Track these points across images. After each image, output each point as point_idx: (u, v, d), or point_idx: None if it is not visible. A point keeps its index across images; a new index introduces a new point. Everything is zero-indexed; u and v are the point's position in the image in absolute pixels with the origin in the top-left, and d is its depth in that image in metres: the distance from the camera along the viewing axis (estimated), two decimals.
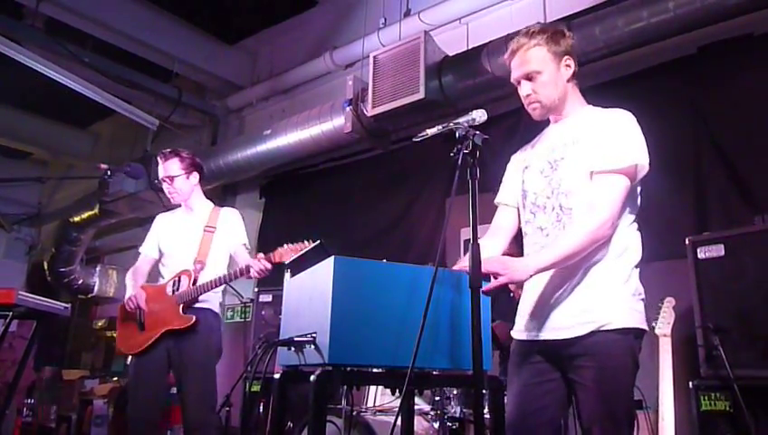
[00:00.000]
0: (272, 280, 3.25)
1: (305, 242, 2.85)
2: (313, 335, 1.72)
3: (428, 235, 4.69)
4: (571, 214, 1.85)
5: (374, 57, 4.47)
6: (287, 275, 2.19)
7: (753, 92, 3.46)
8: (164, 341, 3.12)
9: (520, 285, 1.98)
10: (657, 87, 3.79)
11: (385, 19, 5.14)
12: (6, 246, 9.26)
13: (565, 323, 1.81)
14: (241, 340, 5.39)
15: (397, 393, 1.87)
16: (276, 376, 2.00)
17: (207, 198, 3.49)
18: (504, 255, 1.96)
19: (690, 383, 2.83)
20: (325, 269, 1.70)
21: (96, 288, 7.72)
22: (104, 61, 5.94)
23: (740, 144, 3.45)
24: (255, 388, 3.78)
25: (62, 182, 8.98)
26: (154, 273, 3.42)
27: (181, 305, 3.12)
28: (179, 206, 3.42)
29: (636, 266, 1.86)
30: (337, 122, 4.86)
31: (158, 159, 3.37)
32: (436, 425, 3.11)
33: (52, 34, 5.52)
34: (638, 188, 1.90)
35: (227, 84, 6.69)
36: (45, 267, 7.81)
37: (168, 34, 6.08)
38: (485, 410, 2.04)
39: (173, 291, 3.19)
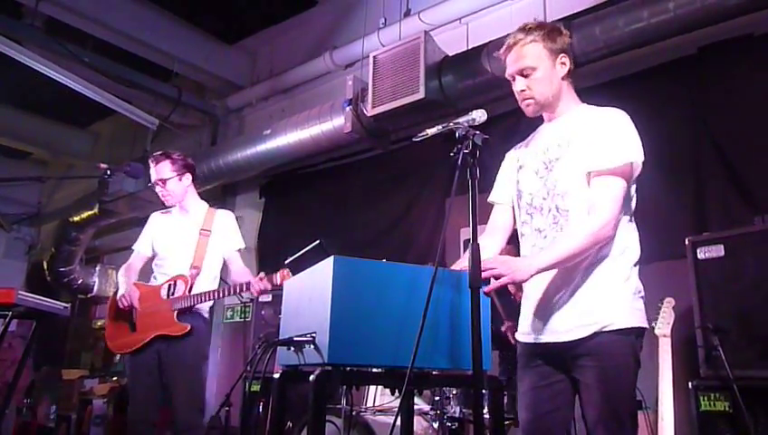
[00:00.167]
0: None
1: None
2: (313, 335, 1.71)
3: (428, 235, 4.69)
4: (568, 216, 1.85)
5: (374, 57, 4.47)
6: None
7: (753, 93, 3.46)
8: (155, 343, 3.13)
9: (519, 286, 1.98)
10: (657, 87, 3.79)
11: (385, 19, 5.14)
12: (6, 245, 9.26)
13: (567, 326, 1.82)
14: (241, 339, 5.39)
15: (396, 393, 1.87)
16: (276, 376, 2.00)
17: (203, 199, 3.50)
18: (501, 254, 1.97)
19: (690, 384, 2.84)
20: (325, 269, 1.70)
21: (95, 288, 7.72)
22: (104, 60, 5.94)
23: (740, 144, 3.45)
24: (255, 387, 3.78)
25: (62, 182, 8.98)
26: (146, 271, 3.42)
27: (176, 312, 3.13)
28: (174, 206, 3.43)
29: (635, 265, 1.86)
30: (337, 122, 4.86)
31: (150, 162, 3.37)
32: (436, 425, 3.11)
33: (52, 34, 5.52)
34: (634, 186, 1.90)
35: (227, 84, 6.69)
36: (45, 267, 7.81)
37: (167, 34, 6.08)
38: (485, 410, 2.04)
39: (168, 295, 3.20)
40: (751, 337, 2.71)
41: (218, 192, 6.41)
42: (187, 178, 3.35)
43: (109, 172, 3.40)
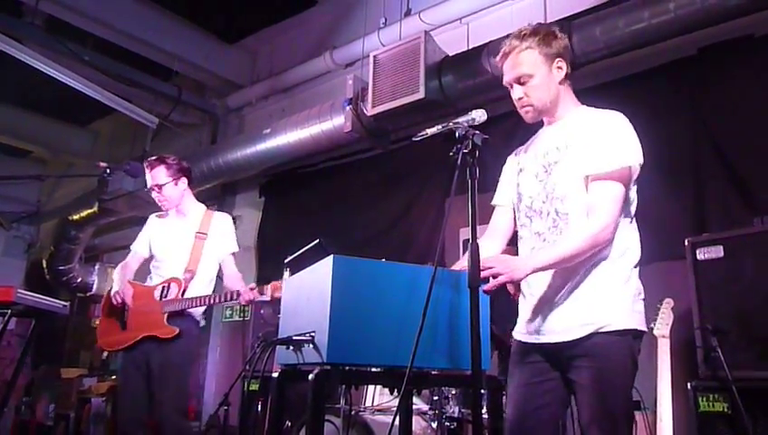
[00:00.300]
0: (272, 280, 3.25)
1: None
2: (312, 334, 1.71)
3: (428, 234, 4.69)
4: (568, 219, 1.86)
5: (374, 57, 4.47)
6: (286, 274, 2.19)
7: (754, 94, 3.45)
8: (144, 343, 3.15)
9: (518, 287, 1.98)
10: (657, 88, 3.79)
11: (385, 19, 5.14)
12: (5, 243, 9.27)
13: (565, 326, 1.82)
14: (240, 338, 5.38)
15: (395, 393, 1.87)
16: (275, 375, 2.00)
17: (202, 199, 3.50)
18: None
19: (688, 384, 2.83)
20: (324, 268, 1.70)
21: (95, 286, 7.72)
22: (104, 59, 5.94)
23: (740, 145, 3.45)
24: (254, 387, 3.77)
25: (62, 180, 8.98)
26: (144, 272, 3.43)
27: (166, 315, 3.14)
28: (171, 209, 3.43)
29: (636, 266, 1.86)
30: (337, 122, 4.86)
31: (145, 167, 3.37)
32: (435, 425, 3.11)
33: (52, 32, 5.52)
34: (634, 188, 1.89)
35: (227, 83, 6.69)
36: (44, 265, 7.81)
37: (168, 33, 6.07)
38: (484, 410, 2.04)
39: (161, 297, 3.21)
40: (750, 338, 2.70)
41: (218, 191, 6.42)
42: (183, 181, 3.35)
43: (108, 171, 3.41)
